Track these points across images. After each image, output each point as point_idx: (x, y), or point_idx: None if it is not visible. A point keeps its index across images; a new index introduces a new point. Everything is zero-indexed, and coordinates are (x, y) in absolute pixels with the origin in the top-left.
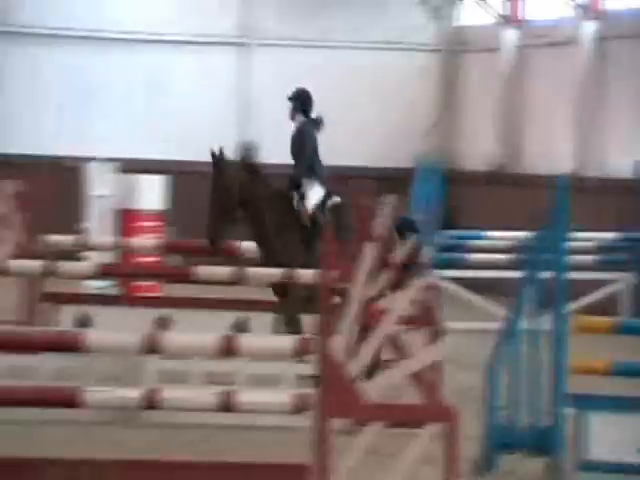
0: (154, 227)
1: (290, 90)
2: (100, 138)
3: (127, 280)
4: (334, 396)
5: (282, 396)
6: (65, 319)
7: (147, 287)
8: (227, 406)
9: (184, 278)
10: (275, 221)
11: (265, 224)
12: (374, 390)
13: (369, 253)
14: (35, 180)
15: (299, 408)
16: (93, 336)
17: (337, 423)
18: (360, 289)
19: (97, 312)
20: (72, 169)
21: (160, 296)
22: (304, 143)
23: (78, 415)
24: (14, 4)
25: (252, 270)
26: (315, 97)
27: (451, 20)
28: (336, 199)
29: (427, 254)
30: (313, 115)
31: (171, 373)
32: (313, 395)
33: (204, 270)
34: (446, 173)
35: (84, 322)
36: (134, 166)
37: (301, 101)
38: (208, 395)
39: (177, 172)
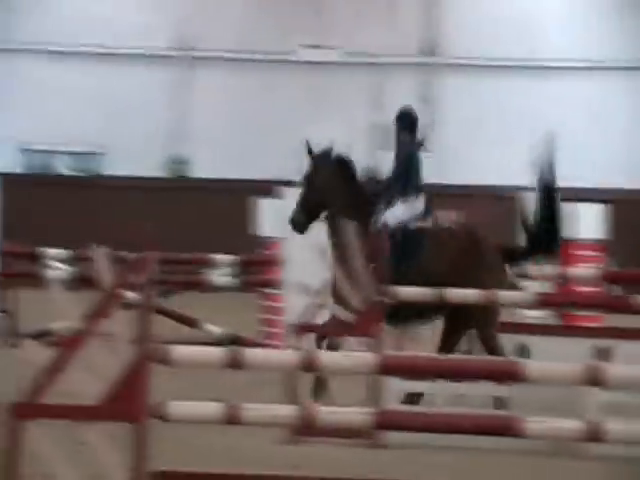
0: (593, 256)
1: None
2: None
3: (565, 310)
4: None
5: None
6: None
7: (585, 317)
8: None
9: (625, 308)
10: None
11: (338, 232)
12: None
13: None
14: (472, 210)
15: None
16: (533, 366)
17: None
18: None
19: (534, 341)
20: (510, 199)
21: (599, 327)
22: (406, 161)
23: (512, 444)
24: (451, 38)
25: None
26: None
27: None
28: (423, 223)
29: None
30: (418, 136)
31: (611, 405)
32: None
33: None
34: None
35: (522, 351)
36: (573, 194)
37: (406, 121)
38: None
39: (619, 201)
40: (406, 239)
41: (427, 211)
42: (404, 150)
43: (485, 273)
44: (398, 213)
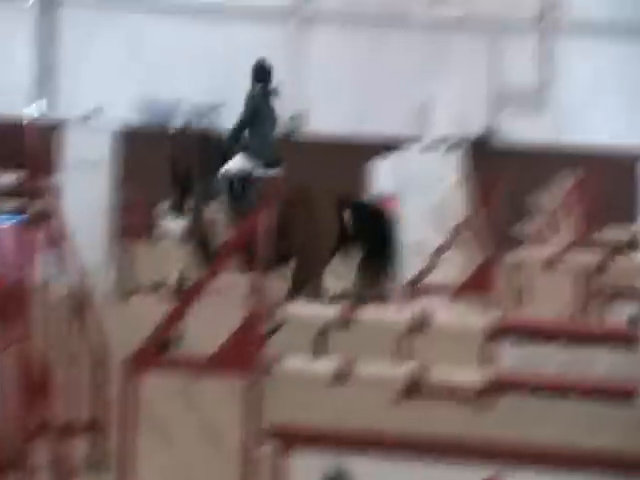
0: None
1: None
2: None
3: None
4: None
5: None
6: (615, 315)
7: None
8: None
9: None
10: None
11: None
12: None
13: None
14: (592, 173)
15: None
16: None
17: None
18: None
19: None
20: (628, 164)
21: None
22: (249, 111)
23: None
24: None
25: None
26: None
27: None
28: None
29: None
30: (270, 86)
31: None
32: None
33: None
34: None
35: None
36: None
37: (259, 73)
38: None
39: None
40: (244, 187)
41: (276, 161)
42: (251, 101)
43: (311, 221)
44: (238, 163)
